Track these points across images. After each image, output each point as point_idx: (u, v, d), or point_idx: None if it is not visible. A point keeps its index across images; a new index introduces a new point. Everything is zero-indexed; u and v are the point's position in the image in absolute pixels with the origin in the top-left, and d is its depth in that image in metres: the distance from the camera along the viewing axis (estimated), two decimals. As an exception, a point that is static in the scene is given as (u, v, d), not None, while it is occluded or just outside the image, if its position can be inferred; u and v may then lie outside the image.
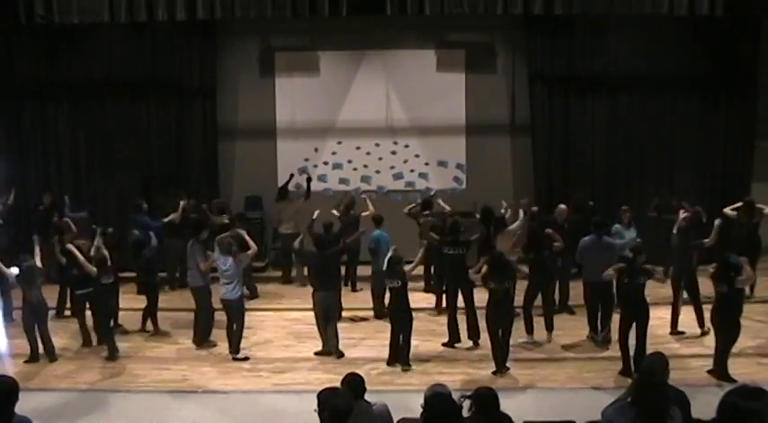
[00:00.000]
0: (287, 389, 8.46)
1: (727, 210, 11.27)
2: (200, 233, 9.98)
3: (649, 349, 7.90)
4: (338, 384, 5.25)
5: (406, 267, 9.12)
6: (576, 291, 10.55)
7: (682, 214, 10.39)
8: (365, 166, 14.40)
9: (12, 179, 13.08)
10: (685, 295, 9.99)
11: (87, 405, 8.01)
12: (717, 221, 10.32)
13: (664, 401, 4.28)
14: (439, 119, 14.12)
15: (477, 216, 11.40)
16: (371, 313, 11.00)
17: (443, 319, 9.95)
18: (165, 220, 11.94)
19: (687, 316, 9.94)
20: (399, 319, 8.98)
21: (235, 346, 9.40)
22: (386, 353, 9.11)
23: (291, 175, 13.34)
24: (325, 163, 14.36)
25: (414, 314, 9.15)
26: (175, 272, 12.40)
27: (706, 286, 9.24)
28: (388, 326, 9.30)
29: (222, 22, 13.19)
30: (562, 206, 11.22)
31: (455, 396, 4.60)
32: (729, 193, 12.15)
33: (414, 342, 9.12)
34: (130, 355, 9.55)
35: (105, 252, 9.67)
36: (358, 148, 14.34)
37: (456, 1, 11.79)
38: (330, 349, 9.44)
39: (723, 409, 3.45)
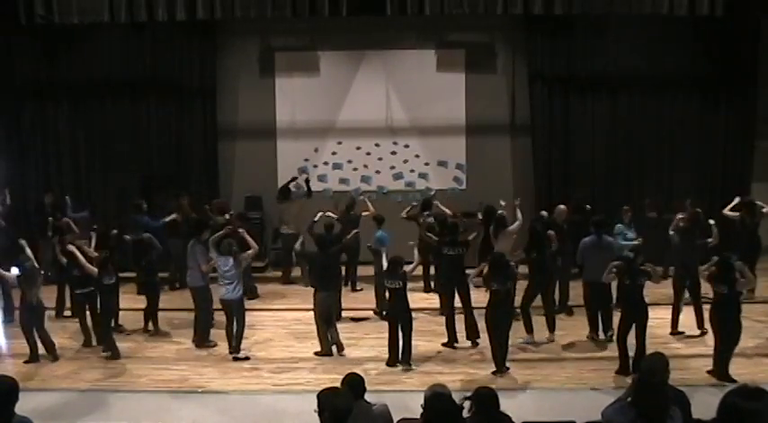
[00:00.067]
0: (287, 389, 8.45)
1: (726, 211, 11.28)
2: (201, 233, 9.97)
3: (649, 349, 7.92)
4: (338, 384, 5.24)
5: (407, 268, 9.12)
6: (576, 291, 10.55)
7: (679, 215, 10.39)
8: (365, 167, 14.39)
9: (12, 179, 13.08)
10: (687, 295, 9.99)
11: (87, 405, 8.00)
12: (712, 221, 10.27)
13: (664, 402, 4.28)
14: (439, 119, 14.12)
15: (480, 216, 11.38)
16: (371, 313, 11.00)
17: (443, 320, 9.93)
18: (167, 219, 11.94)
19: (687, 316, 9.94)
20: (400, 319, 8.98)
21: (235, 346, 9.40)
22: (386, 353, 9.10)
23: (294, 178, 13.30)
24: (326, 163, 14.35)
25: (414, 314, 9.16)
26: (177, 272, 12.39)
27: (705, 286, 9.22)
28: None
29: (222, 22, 13.20)
30: (562, 206, 11.17)
31: (456, 397, 4.60)
32: (729, 193, 12.15)
33: (414, 342, 9.12)
34: (130, 355, 9.54)
35: (93, 253, 9.73)
36: (358, 148, 14.33)
37: (456, 1, 11.79)
38: (330, 349, 9.44)
39: (723, 409, 3.44)
